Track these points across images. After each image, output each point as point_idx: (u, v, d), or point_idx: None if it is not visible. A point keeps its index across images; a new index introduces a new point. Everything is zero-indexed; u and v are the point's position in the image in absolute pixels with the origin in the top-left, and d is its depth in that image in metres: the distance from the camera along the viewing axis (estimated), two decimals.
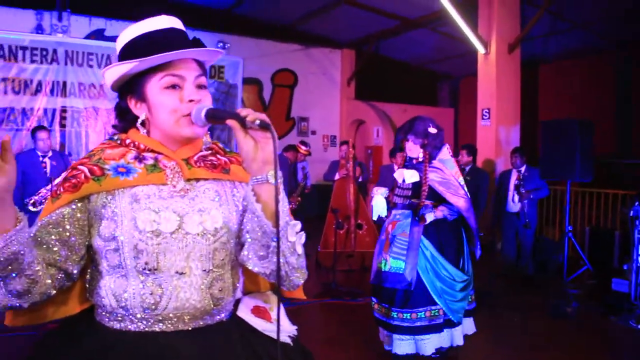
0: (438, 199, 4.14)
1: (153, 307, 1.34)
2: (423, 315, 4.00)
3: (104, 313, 1.39)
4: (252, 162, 1.28)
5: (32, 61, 9.54)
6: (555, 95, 11.75)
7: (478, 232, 4.26)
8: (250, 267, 1.43)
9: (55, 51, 8.65)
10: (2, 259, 1.18)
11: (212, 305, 1.40)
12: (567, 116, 8.74)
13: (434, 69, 14.49)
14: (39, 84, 8.48)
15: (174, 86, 1.39)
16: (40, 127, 5.70)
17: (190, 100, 1.39)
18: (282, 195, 1.30)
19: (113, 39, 10.94)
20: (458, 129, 14.52)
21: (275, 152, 1.26)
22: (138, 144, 1.44)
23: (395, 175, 4.39)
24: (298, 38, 12.88)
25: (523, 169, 6.99)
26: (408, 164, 4.29)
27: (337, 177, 7.53)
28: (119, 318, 1.37)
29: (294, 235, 1.36)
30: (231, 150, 1.61)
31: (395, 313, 4.00)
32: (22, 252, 1.21)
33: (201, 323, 1.41)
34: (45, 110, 8.44)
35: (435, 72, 14.80)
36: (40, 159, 5.47)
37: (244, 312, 1.52)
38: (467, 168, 7.01)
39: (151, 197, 1.38)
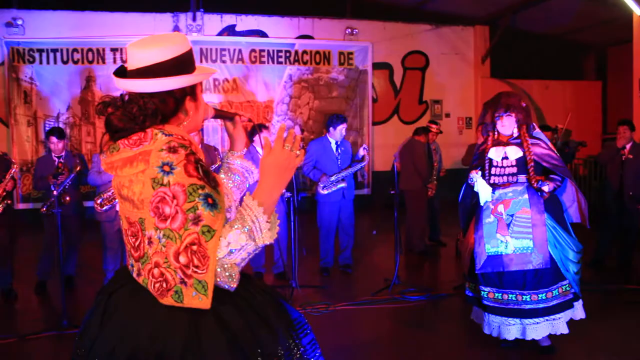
0: (540, 173, 4.03)
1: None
2: (557, 293, 3.87)
3: None
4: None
5: None
6: None
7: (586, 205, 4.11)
8: None
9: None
10: None
11: None
12: None
13: (577, 39, 13.43)
14: None
15: None
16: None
17: None
18: None
19: (244, 34, 11.26)
20: (607, 103, 13.40)
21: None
22: (190, 138, 1.70)
23: (491, 154, 4.11)
24: (427, 18, 12.43)
25: None
26: (500, 141, 4.11)
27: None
28: None
29: None
30: None
31: (528, 296, 3.84)
32: None
33: None
34: None
35: (579, 43, 13.71)
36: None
37: None
38: (628, 146, 6.18)
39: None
